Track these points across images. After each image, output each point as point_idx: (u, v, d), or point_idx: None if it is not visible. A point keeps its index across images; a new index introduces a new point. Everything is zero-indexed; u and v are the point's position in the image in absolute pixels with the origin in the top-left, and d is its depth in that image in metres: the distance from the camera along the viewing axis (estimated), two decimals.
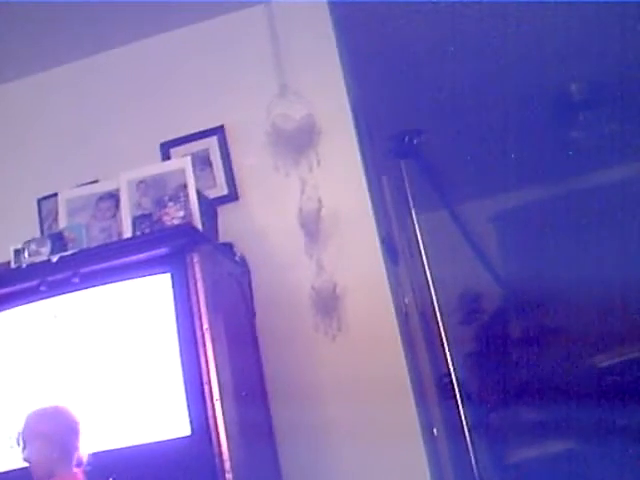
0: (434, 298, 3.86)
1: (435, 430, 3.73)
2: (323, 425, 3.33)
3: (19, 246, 3.17)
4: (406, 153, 3.86)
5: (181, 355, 2.79)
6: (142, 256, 2.91)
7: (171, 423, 2.79)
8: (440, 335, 3.91)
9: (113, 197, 3.25)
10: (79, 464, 2.63)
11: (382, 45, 3.81)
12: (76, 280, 2.88)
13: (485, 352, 5.13)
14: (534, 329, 5.20)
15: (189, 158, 3.25)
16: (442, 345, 3.91)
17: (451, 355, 3.87)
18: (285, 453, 3.29)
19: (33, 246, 3.04)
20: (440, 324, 3.89)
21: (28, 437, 2.61)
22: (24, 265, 3.03)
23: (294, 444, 3.30)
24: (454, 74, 4.08)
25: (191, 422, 2.75)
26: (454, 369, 3.89)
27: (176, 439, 2.77)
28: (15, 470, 2.78)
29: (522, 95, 4.35)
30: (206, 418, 2.73)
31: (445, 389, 3.91)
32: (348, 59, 3.72)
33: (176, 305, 2.83)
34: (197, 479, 2.73)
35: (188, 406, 2.76)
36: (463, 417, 3.82)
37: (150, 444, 2.79)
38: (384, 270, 3.49)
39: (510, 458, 4.46)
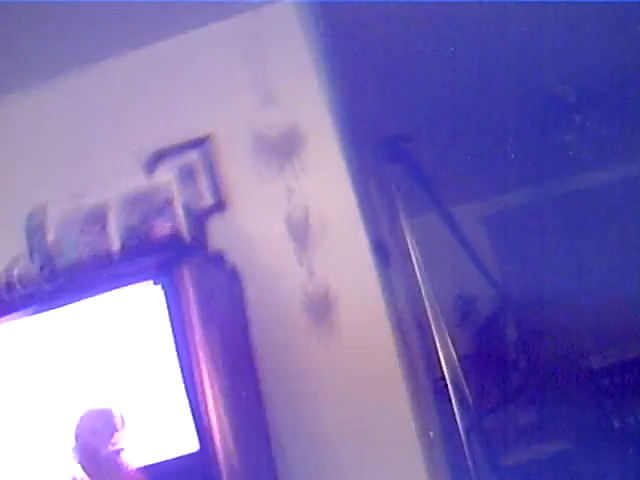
0: (426, 301, 3.88)
1: (431, 433, 3.73)
2: (319, 430, 3.34)
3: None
4: (396, 157, 3.88)
5: (180, 369, 2.81)
6: (132, 268, 2.94)
7: (175, 439, 2.82)
8: (433, 338, 3.93)
9: (101, 211, 3.26)
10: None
11: (367, 50, 3.81)
12: (68, 293, 2.89)
13: (480, 354, 5.15)
14: (528, 331, 5.22)
15: (174, 172, 3.29)
16: (436, 349, 3.93)
17: (445, 358, 3.89)
18: (282, 458, 3.29)
19: (22, 262, 3.06)
20: (433, 327, 3.91)
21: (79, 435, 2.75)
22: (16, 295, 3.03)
23: (290, 449, 3.30)
24: (443, 77, 4.09)
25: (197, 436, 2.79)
26: (449, 372, 3.91)
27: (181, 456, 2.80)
28: None
29: (512, 98, 4.36)
30: (208, 432, 2.76)
31: (440, 392, 3.92)
32: (332, 65, 3.74)
33: (170, 317, 2.85)
34: None
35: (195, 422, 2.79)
36: (459, 420, 3.84)
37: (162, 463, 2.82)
38: (376, 274, 3.49)
39: (506, 460, 4.47)
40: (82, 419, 2.78)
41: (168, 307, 2.86)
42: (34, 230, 3.72)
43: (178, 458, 2.85)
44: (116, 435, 2.76)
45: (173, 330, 2.85)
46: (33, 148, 3.90)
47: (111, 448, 2.74)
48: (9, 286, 3.08)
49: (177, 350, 2.84)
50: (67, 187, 3.66)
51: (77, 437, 2.76)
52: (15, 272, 3.07)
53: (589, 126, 5.07)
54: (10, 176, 3.90)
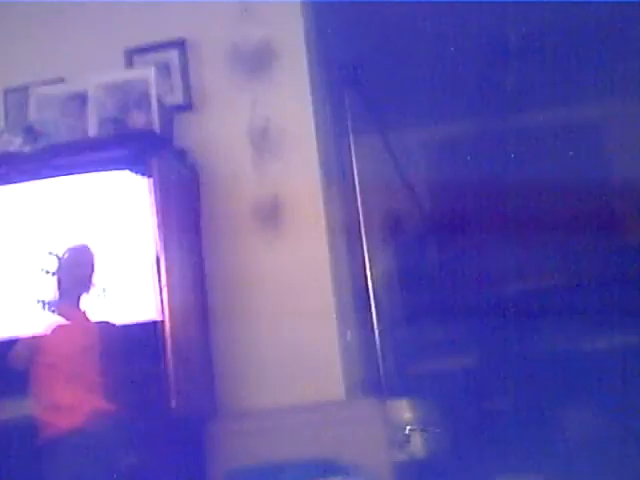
0: (360, 215, 4.24)
1: (349, 333, 4.14)
2: (253, 313, 3.72)
3: None
4: (351, 82, 4.16)
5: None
6: (107, 155, 3.25)
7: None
8: (362, 250, 4.31)
9: (81, 97, 3.51)
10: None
11: None
12: (47, 171, 3.19)
13: (401, 270, 5.54)
14: (450, 253, 5.59)
15: (153, 68, 3.54)
16: (363, 259, 4.32)
17: (371, 271, 4.27)
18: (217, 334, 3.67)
19: (5, 135, 3.31)
20: (364, 239, 4.28)
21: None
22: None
23: (225, 327, 3.68)
24: (401, 15, 4.37)
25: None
26: (372, 282, 4.30)
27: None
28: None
29: (463, 38, 4.65)
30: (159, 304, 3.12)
31: (362, 299, 4.31)
32: None
33: (153, 201, 3.19)
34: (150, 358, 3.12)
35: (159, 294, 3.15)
36: (375, 326, 4.24)
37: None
38: (321, 188, 3.85)
39: (414, 369, 4.85)
40: (68, 250, 3.06)
41: (152, 192, 3.19)
42: (14, 107, 3.96)
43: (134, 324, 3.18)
44: (92, 274, 3.06)
45: (153, 212, 3.19)
46: (15, 25, 4.10)
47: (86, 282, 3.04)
48: None
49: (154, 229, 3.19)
50: (45, 69, 3.90)
51: (61, 262, 3.02)
52: None
53: (530, 70, 5.38)
54: None
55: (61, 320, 3.00)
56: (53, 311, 3.08)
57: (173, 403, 3.12)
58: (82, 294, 3.05)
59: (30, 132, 3.33)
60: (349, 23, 4.36)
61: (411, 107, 5.22)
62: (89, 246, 3.09)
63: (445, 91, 5.20)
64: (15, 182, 3.27)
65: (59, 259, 3.03)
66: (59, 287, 3.02)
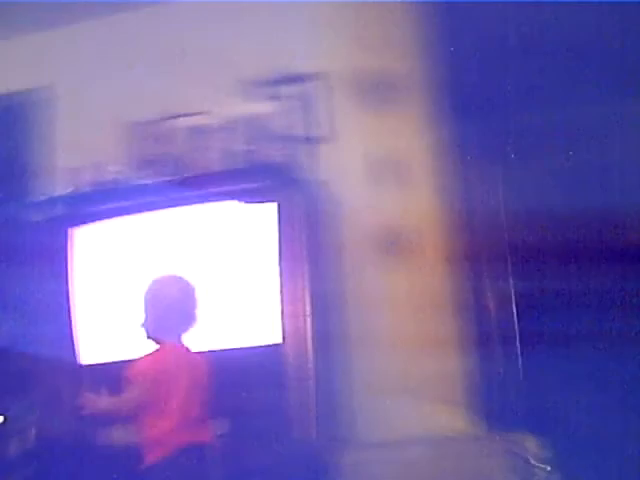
0: (484, 247, 4.18)
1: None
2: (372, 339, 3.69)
3: (118, 167, 3.53)
4: (473, 112, 4.13)
5: (280, 274, 3.21)
6: (237, 187, 3.34)
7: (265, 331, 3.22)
8: (484, 282, 4.24)
9: (210, 131, 3.59)
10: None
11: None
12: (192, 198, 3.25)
13: (526, 301, 5.41)
14: (575, 284, 5.40)
15: (283, 101, 3.60)
16: (485, 292, 4.24)
17: (494, 301, 4.20)
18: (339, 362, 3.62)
19: (133, 168, 3.40)
20: (485, 271, 4.22)
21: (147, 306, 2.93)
22: (128, 185, 3.44)
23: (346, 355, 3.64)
24: (528, 45, 4.34)
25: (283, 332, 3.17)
26: (496, 314, 4.23)
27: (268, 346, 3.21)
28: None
29: (589, 66, 4.62)
30: (297, 330, 3.15)
31: (499, 331, 4.21)
32: (433, 17, 3.99)
33: (279, 231, 3.25)
34: (283, 384, 3.14)
35: (282, 318, 3.17)
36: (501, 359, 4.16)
37: (246, 349, 3.24)
38: (447, 217, 3.82)
39: (543, 405, 4.73)
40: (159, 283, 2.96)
41: (278, 222, 3.27)
42: (143, 139, 4.04)
43: (259, 348, 3.24)
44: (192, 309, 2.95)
45: (279, 241, 3.24)
46: (142, 62, 4.22)
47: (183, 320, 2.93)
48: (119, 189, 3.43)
49: (280, 258, 3.25)
50: (177, 105, 3.99)
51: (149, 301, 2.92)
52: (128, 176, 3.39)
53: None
54: (117, 90, 4.21)
55: (165, 354, 2.92)
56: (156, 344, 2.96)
57: (305, 432, 3.12)
58: (186, 330, 2.96)
59: (158, 165, 3.40)
60: (474, 54, 4.36)
61: (533, 137, 5.16)
62: (187, 279, 3.00)
63: (568, 122, 5.12)
64: (142, 212, 3.33)
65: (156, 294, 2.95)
66: (160, 322, 2.93)
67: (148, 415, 2.82)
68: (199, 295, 2.97)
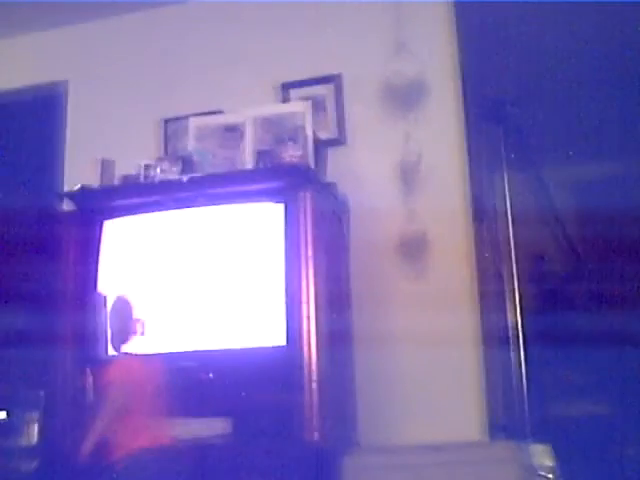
0: (513, 257, 4.13)
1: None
2: (393, 343, 3.69)
3: (149, 162, 3.58)
4: (503, 119, 4.09)
5: (286, 276, 3.21)
6: (261, 186, 3.32)
7: (270, 333, 3.21)
8: (514, 291, 4.20)
9: (238, 130, 3.61)
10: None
11: (497, 20, 4.02)
12: (201, 199, 3.28)
13: (546, 313, 5.37)
14: (600, 292, 5.40)
15: (309, 102, 3.62)
16: (513, 300, 4.20)
17: (521, 310, 4.16)
18: (360, 363, 3.65)
19: (166, 164, 3.43)
20: (515, 281, 4.17)
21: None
22: (157, 180, 3.43)
23: (368, 357, 3.66)
24: (552, 56, 4.31)
25: (287, 334, 3.18)
26: (522, 324, 4.18)
27: (272, 347, 3.20)
28: None
29: (613, 73, 4.55)
30: (300, 332, 3.14)
31: (509, 340, 4.20)
32: (463, 26, 3.97)
33: (286, 232, 3.25)
34: (287, 385, 3.14)
35: (287, 320, 3.18)
36: (523, 367, 4.12)
37: (250, 349, 3.23)
38: (471, 225, 3.80)
39: (558, 413, 4.70)
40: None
41: (286, 223, 3.24)
42: (169, 136, 4.11)
43: (264, 349, 3.24)
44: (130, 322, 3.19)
45: (286, 241, 3.24)
46: (176, 61, 4.28)
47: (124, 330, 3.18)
48: (151, 185, 3.48)
49: (287, 260, 3.23)
50: (202, 101, 4.04)
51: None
52: (157, 173, 3.44)
53: None
54: (148, 83, 4.30)
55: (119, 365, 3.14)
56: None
57: (309, 434, 3.12)
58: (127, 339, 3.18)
59: (187, 161, 3.44)
60: (503, 59, 4.32)
61: (561, 144, 5.10)
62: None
63: (596, 129, 5.06)
64: (170, 209, 3.37)
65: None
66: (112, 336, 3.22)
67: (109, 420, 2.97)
68: (137, 310, 3.20)
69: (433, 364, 3.65)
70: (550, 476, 3.51)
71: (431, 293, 3.74)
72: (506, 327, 4.21)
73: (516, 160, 4.45)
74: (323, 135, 3.80)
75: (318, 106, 3.86)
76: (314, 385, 3.11)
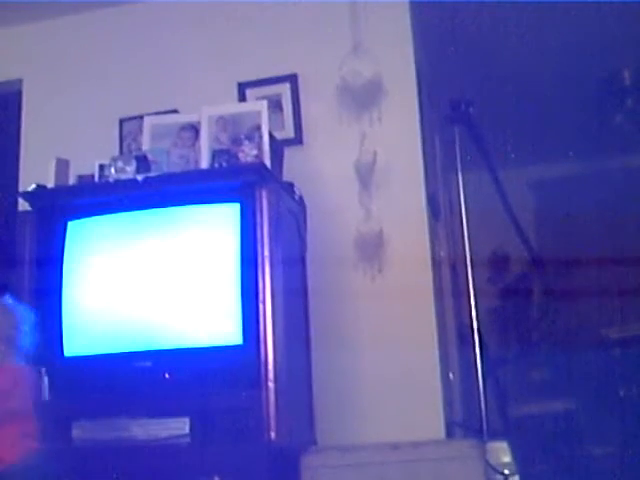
0: (467, 254, 4.18)
1: (451, 374, 4.08)
2: (351, 343, 3.73)
3: (104, 162, 3.56)
4: (459, 119, 4.13)
5: (242, 275, 3.20)
6: (217, 186, 3.31)
7: (227, 332, 3.21)
8: (468, 288, 4.24)
9: (194, 128, 3.59)
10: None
11: (454, 20, 4.07)
12: (157, 199, 3.27)
13: (506, 310, 5.45)
14: (554, 296, 5.49)
15: (265, 102, 3.60)
16: (469, 298, 4.24)
17: (476, 308, 4.20)
18: (317, 362, 3.66)
19: (120, 163, 3.41)
20: (469, 279, 4.21)
21: None
22: (111, 180, 3.41)
23: (326, 356, 3.67)
24: (511, 56, 4.36)
25: (244, 333, 3.17)
26: (477, 321, 4.22)
27: (229, 346, 3.20)
28: None
29: (571, 78, 4.61)
30: (257, 331, 3.13)
31: (465, 339, 4.24)
32: (419, 27, 4.01)
33: (242, 231, 3.23)
34: (244, 384, 3.14)
35: (243, 319, 3.17)
36: (478, 366, 4.16)
37: (206, 348, 3.22)
38: (426, 223, 3.83)
39: (513, 411, 4.77)
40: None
41: (241, 222, 3.23)
42: (125, 136, 4.09)
43: (220, 347, 3.21)
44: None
45: (242, 241, 3.22)
46: (131, 60, 4.26)
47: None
48: (106, 185, 3.46)
49: (243, 260, 3.22)
50: (159, 101, 4.03)
51: None
52: (112, 173, 3.42)
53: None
54: (105, 83, 4.26)
55: None
56: None
57: (267, 433, 3.10)
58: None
59: (142, 161, 3.42)
60: (459, 59, 4.36)
61: (520, 145, 5.16)
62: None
63: (555, 130, 5.13)
64: (126, 209, 3.36)
65: None
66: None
67: None
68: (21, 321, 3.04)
69: (390, 362, 3.66)
70: (507, 472, 3.54)
71: (388, 291, 3.75)
72: (462, 325, 4.26)
73: (472, 160, 4.50)
74: (280, 135, 3.80)
75: (275, 106, 3.88)
76: (271, 384, 3.10)
